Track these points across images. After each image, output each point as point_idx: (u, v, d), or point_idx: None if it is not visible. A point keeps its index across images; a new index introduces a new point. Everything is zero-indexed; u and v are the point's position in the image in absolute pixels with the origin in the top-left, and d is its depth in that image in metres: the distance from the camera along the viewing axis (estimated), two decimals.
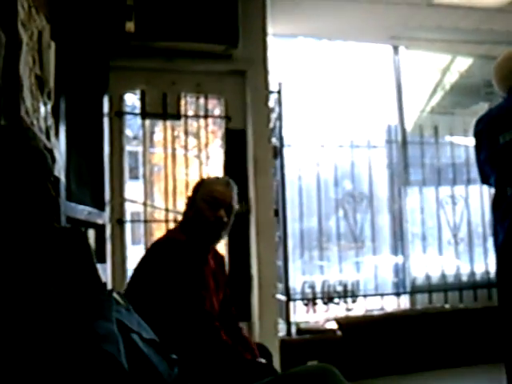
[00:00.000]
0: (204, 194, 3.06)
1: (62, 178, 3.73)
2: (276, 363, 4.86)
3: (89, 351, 1.42)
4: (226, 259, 5.22)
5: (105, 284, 1.66)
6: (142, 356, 1.87)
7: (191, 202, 3.14)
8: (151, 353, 1.92)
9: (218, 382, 2.53)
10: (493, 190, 3.74)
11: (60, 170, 3.67)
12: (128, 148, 5.39)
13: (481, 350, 5.97)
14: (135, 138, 10.04)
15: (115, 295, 2.05)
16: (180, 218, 5.15)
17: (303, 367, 2.01)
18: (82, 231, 1.69)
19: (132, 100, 5.44)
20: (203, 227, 3.02)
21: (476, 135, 3.83)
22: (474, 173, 3.99)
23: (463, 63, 7.42)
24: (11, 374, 1.36)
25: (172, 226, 5.21)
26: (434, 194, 6.93)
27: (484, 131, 3.73)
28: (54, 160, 3.45)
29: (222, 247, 5.37)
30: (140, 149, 5.49)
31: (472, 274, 6.88)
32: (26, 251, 1.57)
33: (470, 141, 3.83)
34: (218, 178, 3.43)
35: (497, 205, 3.62)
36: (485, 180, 3.85)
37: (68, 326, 1.44)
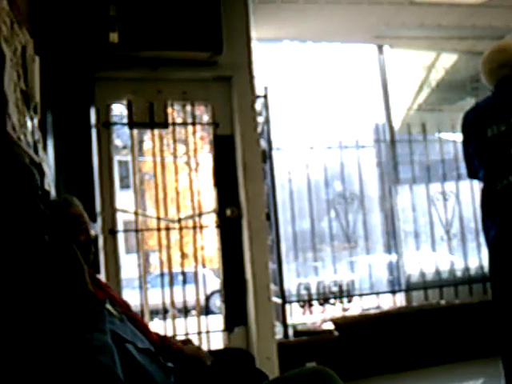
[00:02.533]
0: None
1: (52, 191, 3.74)
2: (274, 366, 4.90)
3: (85, 363, 1.41)
4: (220, 265, 5.26)
5: (96, 296, 1.65)
6: (137, 366, 1.87)
7: None
8: (147, 362, 1.93)
9: None
10: (481, 185, 3.73)
11: (50, 183, 3.68)
12: (119, 158, 5.41)
13: (477, 344, 5.99)
14: (125, 147, 10.05)
15: (108, 306, 2.06)
16: (171, 225, 5.22)
17: (298, 370, 2.01)
18: (71, 244, 1.67)
19: (120, 110, 5.43)
20: None
21: (464, 129, 3.82)
22: (464, 168, 3.98)
23: (448, 60, 7.44)
24: None
25: (164, 234, 5.22)
26: (425, 191, 6.94)
27: (472, 125, 3.73)
28: (43, 174, 3.46)
29: (215, 252, 5.39)
30: (130, 158, 5.49)
31: (466, 269, 6.89)
32: (17, 266, 1.57)
33: (459, 136, 3.81)
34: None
35: (486, 200, 3.61)
36: (472, 174, 3.84)
37: (63, 340, 1.44)
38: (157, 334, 3.09)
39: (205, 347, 5.10)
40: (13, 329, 1.42)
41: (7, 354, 1.38)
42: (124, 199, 5.71)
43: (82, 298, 1.59)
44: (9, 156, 1.68)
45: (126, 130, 5.32)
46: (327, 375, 1.92)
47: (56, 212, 2.85)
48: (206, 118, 5.63)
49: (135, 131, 5.42)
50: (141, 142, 10.87)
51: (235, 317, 5.24)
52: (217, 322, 5.49)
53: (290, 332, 5.77)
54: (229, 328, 5.23)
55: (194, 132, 5.42)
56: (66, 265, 1.61)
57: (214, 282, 9.94)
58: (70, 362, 1.41)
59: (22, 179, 1.65)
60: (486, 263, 6.42)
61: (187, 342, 3.20)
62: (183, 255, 5.26)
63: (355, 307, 6.42)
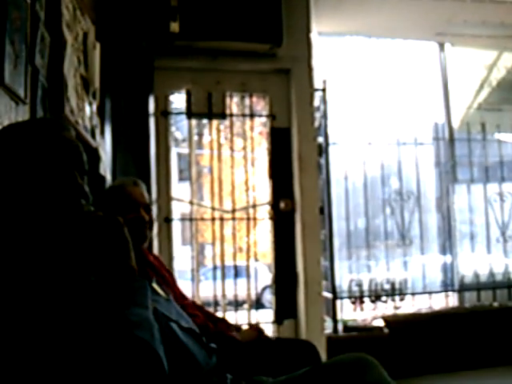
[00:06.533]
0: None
1: (108, 176, 3.80)
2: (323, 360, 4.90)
3: (121, 338, 1.41)
4: (272, 257, 5.27)
5: (139, 272, 1.65)
6: (180, 344, 1.89)
7: None
8: (189, 341, 1.95)
9: (256, 372, 2.53)
10: None
11: (106, 168, 3.74)
12: (178, 150, 5.44)
13: None
14: (185, 140, 10.14)
15: (155, 285, 2.09)
16: (226, 216, 5.25)
17: (340, 357, 2.00)
18: (117, 219, 1.67)
19: (180, 101, 5.47)
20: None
21: None
22: None
23: (510, 59, 7.32)
24: (44, 361, 1.38)
25: (218, 225, 5.25)
26: (482, 191, 6.84)
27: None
28: (98, 158, 3.52)
29: (267, 245, 5.41)
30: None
31: None
32: (53, 236, 1.58)
33: None
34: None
35: None
36: None
37: (100, 314, 1.45)
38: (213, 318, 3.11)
39: None
40: (48, 301, 1.43)
41: (42, 329, 1.40)
42: (183, 191, 5.75)
43: (122, 272, 1.60)
44: (52, 130, 1.68)
45: (187, 122, 5.36)
46: (369, 362, 1.91)
47: (113, 192, 2.94)
48: (263, 112, 5.64)
49: (194, 123, 5.47)
50: (200, 135, 10.96)
51: (285, 309, 5.26)
52: (267, 315, 5.52)
53: (340, 327, 5.76)
54: (278, 320, 5.25)
55: (252, 125, 5.44)
56: (111, 238, 1.62)
57: (268, 277, 9.95)
58: (107, 338, 1.41)
59: (63, 152, 1.65)
60: None
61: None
62: (236, 247, 5.29)
63: (407, 306, 6.37)
